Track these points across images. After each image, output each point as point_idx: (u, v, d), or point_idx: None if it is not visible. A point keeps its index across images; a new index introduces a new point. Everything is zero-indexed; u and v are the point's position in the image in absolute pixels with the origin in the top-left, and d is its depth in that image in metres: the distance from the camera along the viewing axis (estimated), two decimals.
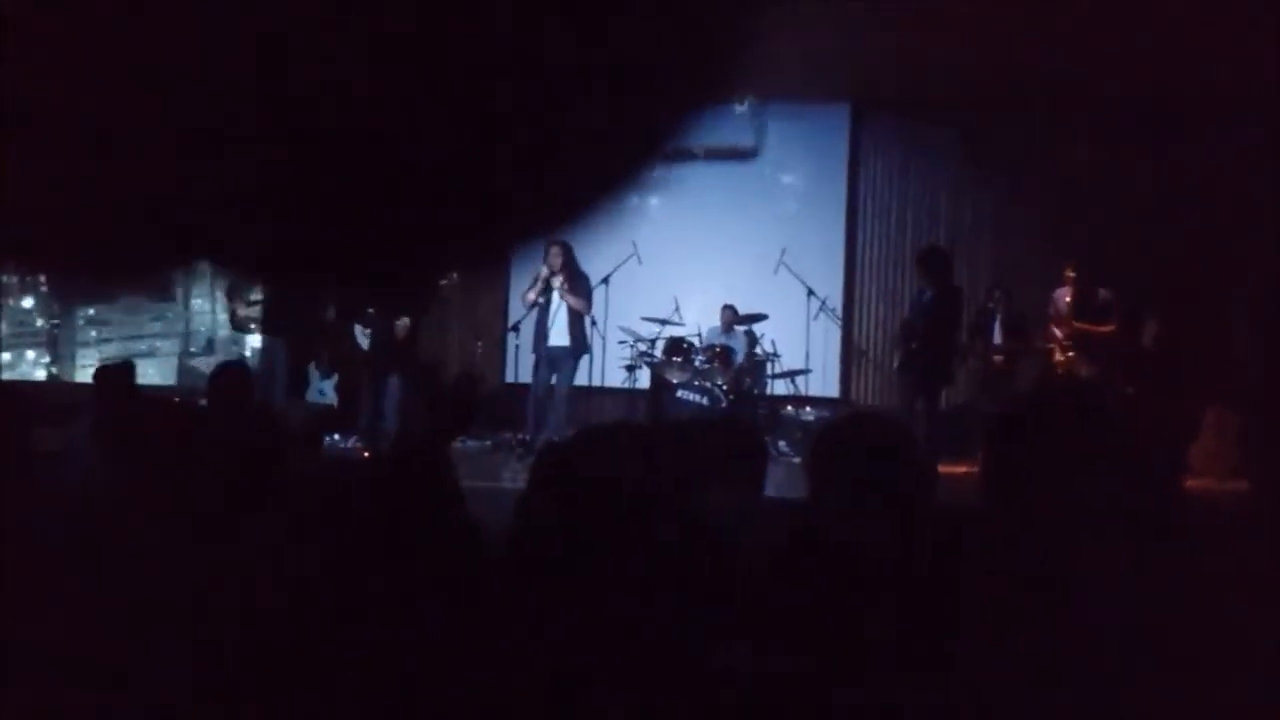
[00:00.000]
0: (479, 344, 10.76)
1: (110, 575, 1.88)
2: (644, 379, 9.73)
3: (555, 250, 8.45)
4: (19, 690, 1.69)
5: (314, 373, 9.37)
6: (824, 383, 10.46)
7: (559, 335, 8.83)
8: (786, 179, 10.88)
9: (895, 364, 8.32)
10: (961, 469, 7.07)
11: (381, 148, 0.92)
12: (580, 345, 8.92)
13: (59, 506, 2.37)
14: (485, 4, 0.86)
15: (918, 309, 8.08)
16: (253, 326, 8.93)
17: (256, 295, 8.71)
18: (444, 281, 8.59)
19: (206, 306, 11.39)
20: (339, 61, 0.88)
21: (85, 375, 10.12)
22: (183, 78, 0.88)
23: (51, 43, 0.88)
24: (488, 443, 9.37)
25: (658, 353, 9.44)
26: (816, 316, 9.92)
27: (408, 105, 0.90)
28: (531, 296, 8.91)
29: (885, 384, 10.39)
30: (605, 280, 9.40)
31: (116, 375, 5.63)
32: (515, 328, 9.42)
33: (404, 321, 8.71)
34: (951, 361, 8.34)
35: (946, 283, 8.15)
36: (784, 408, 9.77)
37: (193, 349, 11.44)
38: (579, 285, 8.85)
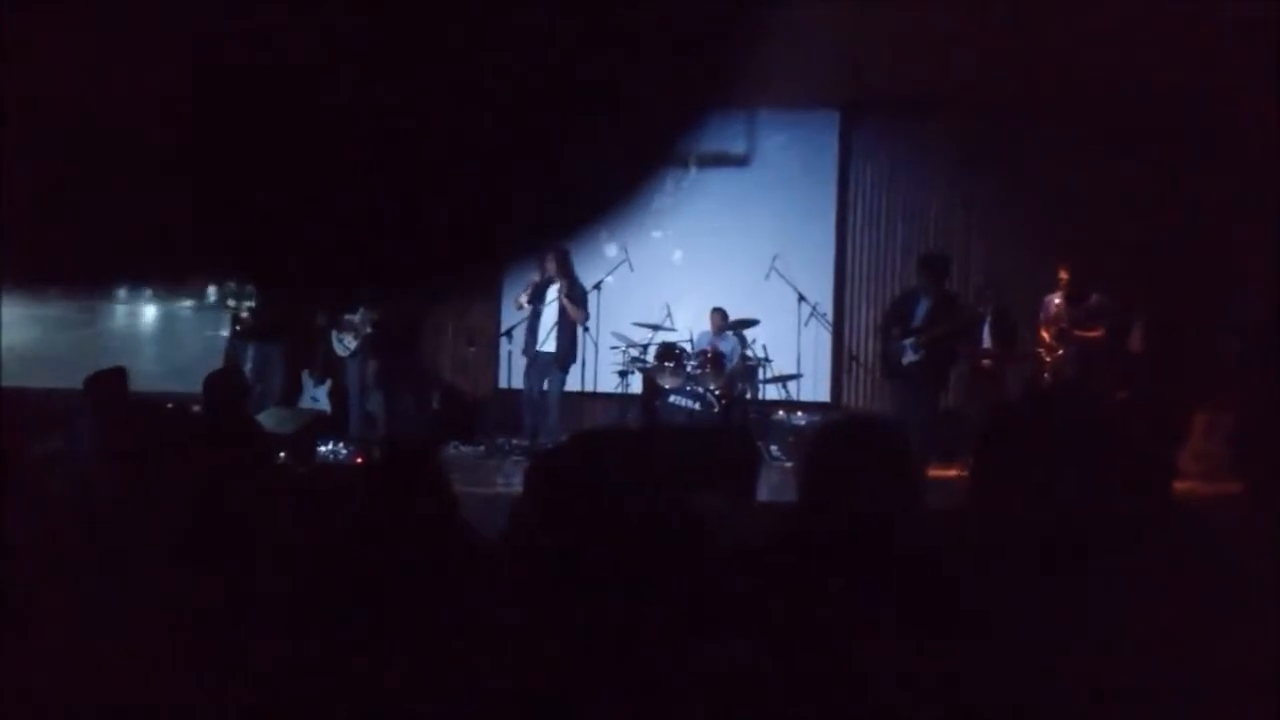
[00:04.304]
0: (472, 349, 10.76)
1: (105, 579, 1.88)
2: (636, 384, 9.74)
3: (552, 257, 8.47)
4: (19, 693, 1.69)
5: (307, 379, 9.37)
6: (815, 387, 10.49)
7: (546, 342, 8.85)
8: (777, 185, 10.89)
9: (892, 372, 8.26)
10: (951, 472, 7.09)
11: (377, 157, 0.93)
12: (566, 354, 8.92)
13: (54, 511, 2.37)
14: (482, 16, 0.88)
15: (919, 316, 8.02)
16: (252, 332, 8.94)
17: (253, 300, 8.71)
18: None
19: None
20: (338, 73, 0.89)
21: None
22: (179, 86, 0.88)
23: (53, 47, 0.89)
24: (481, 448, 9.38)
25: (650, 358, 9.46)
26: (807, 322, 9.94)
27: (404, 115, 0.92)
28: (523, 300, 8.92)
29: (876, 388, 10.41)
30: (597, 286, 9.42)
31: (108, 382, 5.62)
32: (509, 333, 9.43)
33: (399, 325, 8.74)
34: (951, 368, 8.35)
35: (944, 289, 8.16)
36: (775, 412, 9.78)
37: None
38: (576, 294, 8.86)
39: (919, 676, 1.58)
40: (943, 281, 8.14)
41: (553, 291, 8.79)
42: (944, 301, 8.01)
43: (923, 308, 8.01)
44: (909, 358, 7.93)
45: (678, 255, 10.79)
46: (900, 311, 8.26)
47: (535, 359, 8.93)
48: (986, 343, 9.04)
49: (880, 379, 9.68)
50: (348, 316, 8.91)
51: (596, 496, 1.81)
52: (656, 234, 10.52)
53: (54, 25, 0.87)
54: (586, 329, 9.23)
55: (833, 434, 2.14)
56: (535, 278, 8.77)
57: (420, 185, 0.95)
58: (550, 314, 8.84)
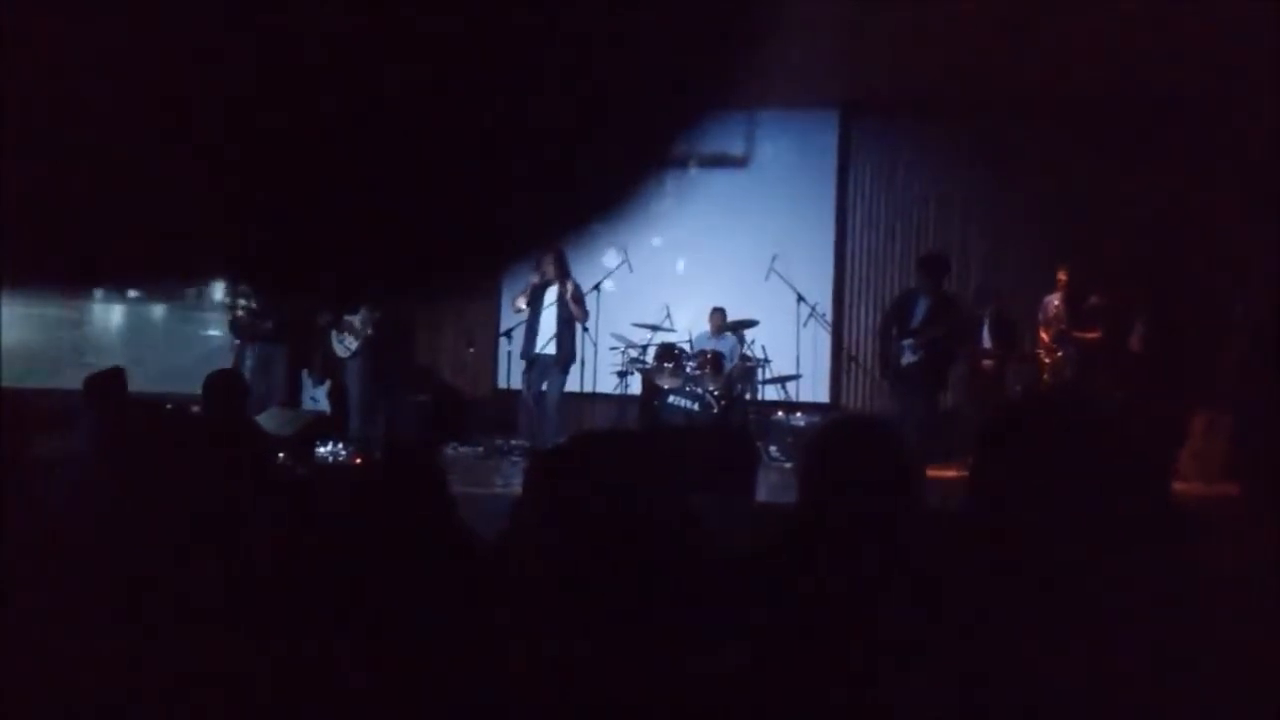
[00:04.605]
0: (471, 350, 10.76)
1: (103, 580, 1.88)
2: (636, 385, 9.75)
3: (549, 259, 8.46)
4: (21, 695, 1.69)
5: (307, 379, 9.37)
6: (814, 388, 10.50)
7: (545, 344, 8.85)
8: (776, 186, 10.91)
9: (891, 372, 8.24)
10: (951, 472, 7.09)
11: (376, 157, 0.92)
12: (566, 355, 8.92)
13: (52, 511, 2.37)
14: (481, 18, 0.88)
15: (917, 317, 8.00)
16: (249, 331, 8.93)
17: (252, 301, 8.71)
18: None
19: None
20: (337, 74, 0.89)
21: None
22: (177, 86, 0.88)
23: (51, 50, 0.89)
24: (480, 448, 9.38)
25: (649, 359, 9.46)
26: (806, 322, 9.95)
27: (403, 115, 0.91)
28: (521, 303, 8.91)
29: (875, 389, 10.42)
30: (597, 287, 9.43)
31: (107, 383, 5.62)
32: (508, 334, 9.44)
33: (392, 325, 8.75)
34: (950, 368, 8.34)
35: (943, 290, 8.16)
36: (774, 413, 9.79)
37: None
38: (576, 293, 8.86)
39: (918, 678, 1.58)
40: (941, 281, 8.14)
41: (550, 294, 8.78)
42: (942, 302, 8.00)
43: (921, 308, 8.00)
44: (907, 358, 7.92)
45: (677, 256, 10.81)
46: (899, 312, 8.25)
47: (534, 361, 8.92)
48: (986, 344, 9.05)
49: (880, 380, 9.68)
50: (348, 317, 8.92)
51: (595, 497, 1.80)
52: (656, 235, 10.55)
53: (54, 24, 0.87)
54: (586, 329, 9.23)
55: (832, 435, 2.14)
56: (534, 279, 8.76)
57: (420, 186, 0.95)
58: (549, 316, 8.83)
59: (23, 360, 8.88)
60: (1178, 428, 8.01)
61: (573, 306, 8.77)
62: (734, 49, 0.98)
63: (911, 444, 6.85)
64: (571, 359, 9.01)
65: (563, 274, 8.70)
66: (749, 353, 9.72)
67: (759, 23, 0.98)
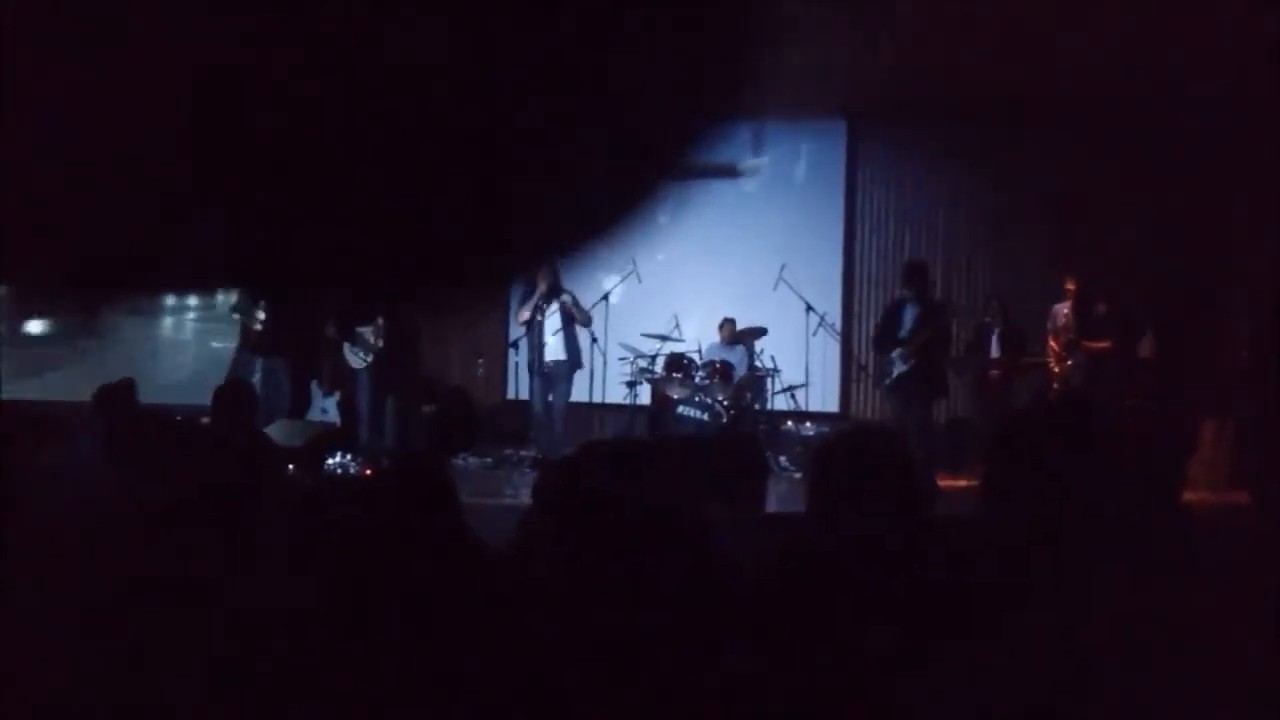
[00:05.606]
0: (480, 361, 10.77)
1: (113, 591, 1.89)
2: (645, 395, 9.74)
3: (543, 271, 8.48)
4: (24, 700, 1.70)
5: (316, 391, 9.38)
6: (823, 397, 10.48)
7: (554, 350, 8.86)
8: (785, 195, 10.91)
9: (885, 385, 8.19)
10: (961, 482, 7.09)
11: (385, 169, 0.93)
12: (575, 359, 8.94)
13: (61, 522, 2.38)
14: (486, 34, 0.88)
15: (906, 325, 7.94)
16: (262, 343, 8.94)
17: (263, 313, 8.72)
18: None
19: None
20: (346, 83, 0.89)
21: None
22: (188, 93, 0.89)
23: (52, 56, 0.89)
24: (489, 459, 9.38)
25: (658, 369, 9.46)
26: (815, 331, 9.93)
27: (414, 132, 0.92)
28: (525, 315, 8.92)
29: (884, 398, 10.40)
30: (605, 297, 9.43)
31: (118, 393, 5.63)
32: (515, 345, 9.44)
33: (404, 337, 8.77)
34: (945, 373, 8.28)
35: (930, 297, 8.10)
36: (784, 423, 9.77)
37: None
38: (574, 299, 8.88)
39: (929, 684, 1.58)
40: (926, 287, 8.05)
41: (550, 304, 8.81)
42: (929, 309, 7.93)
43: (909, 316, 7.91)
44: (898, 369, 7.86)
45: (686, 266, 10.80)
46: (889, 323, 8.16)
47: (539, 370, 8.93)
48: (995, 353, 9.04)
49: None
50: (361, 329, 8.94)
51: (604, 507, 1.81)
52: (664, 245, 10.54)
53: (59, 26, 0.87)
54: (594, 338, 9.23)
55: (841, 444, 2.14)
56: (541, 285, 8.75)
57: (431, 200, 0.96)
58: (552, 325, 8.86)
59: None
60: (1188, 435, 7.98)
61: (574, 313, 8.79)
62: (741, 60, 0.99)
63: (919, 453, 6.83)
64: (578, 365, 9.01)
65: (556, 285, 8.72)
66: (758, 362, 9.71)
67: (766, 34, 0.98)
